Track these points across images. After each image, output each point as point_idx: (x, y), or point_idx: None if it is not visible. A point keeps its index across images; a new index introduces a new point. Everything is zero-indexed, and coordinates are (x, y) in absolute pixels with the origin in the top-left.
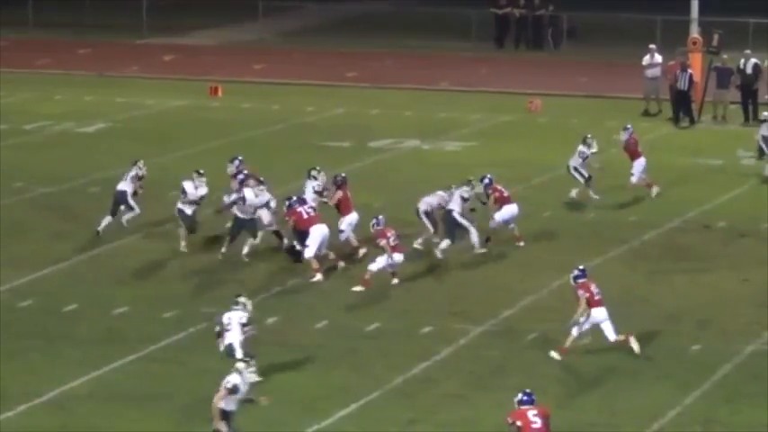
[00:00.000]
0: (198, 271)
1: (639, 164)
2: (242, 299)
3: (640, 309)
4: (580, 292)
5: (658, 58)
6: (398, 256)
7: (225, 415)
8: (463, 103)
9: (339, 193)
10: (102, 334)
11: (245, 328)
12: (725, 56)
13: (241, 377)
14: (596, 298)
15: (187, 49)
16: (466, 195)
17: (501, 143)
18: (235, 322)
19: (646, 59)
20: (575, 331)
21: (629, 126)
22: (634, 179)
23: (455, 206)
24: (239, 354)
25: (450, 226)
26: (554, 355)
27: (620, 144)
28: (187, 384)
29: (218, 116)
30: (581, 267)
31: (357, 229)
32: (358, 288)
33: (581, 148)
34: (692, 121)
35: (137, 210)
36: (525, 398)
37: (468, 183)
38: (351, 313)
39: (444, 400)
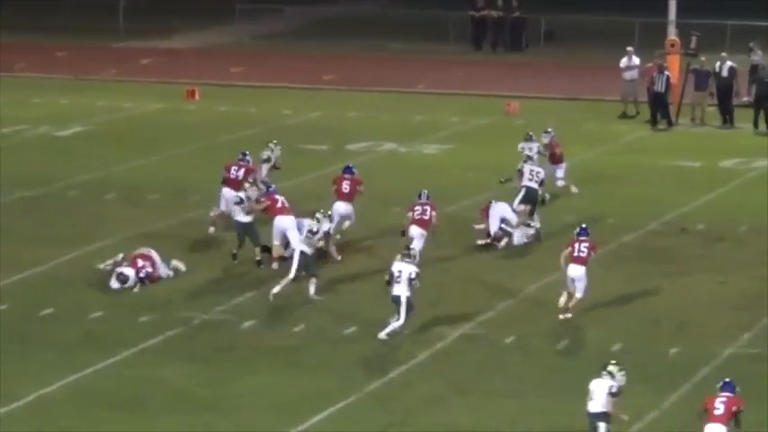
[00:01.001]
0: (175, 275)
1: (562, 168)
2: (413, 251)
3: (619, 311)
4: (568, 248)
5: (636, 60)
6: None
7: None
8: (440, 106)
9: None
10: (78, 338)
11: (413, 282)
12: (702, 58)
13: (614, 380)
14: (575, 255)
15: (164, 52)
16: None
17: (478, 146)
18: (405, 276)
19: (623, 62)
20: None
21: (549, 129)
22: (561, 182)
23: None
24: (403, 308)
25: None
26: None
27: (542, 148)
28: (163, 389)
29: (195, 119)
30: (584, 225)
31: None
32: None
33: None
34: (670, 124)
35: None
36: (726, 386)
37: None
38: (328, 316)
39: (422, 405)
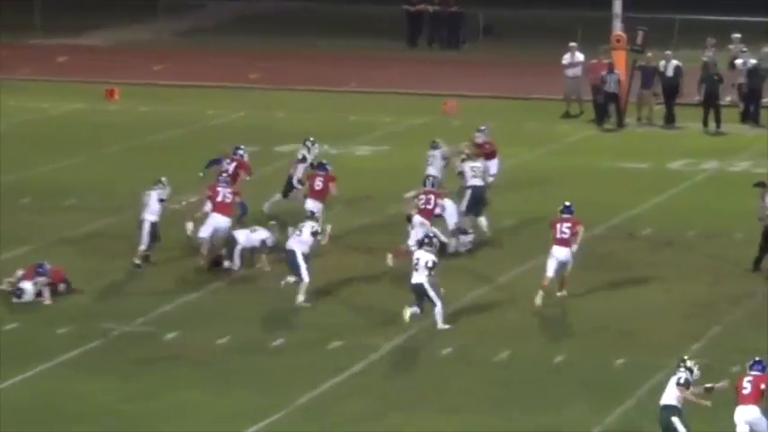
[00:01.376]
0: (96, 284)
1: (494, 164)
2: (435, 239)
3: (563, 319)
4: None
5: (579, 56)
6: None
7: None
8: (374, 106)
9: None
10: None
11: (433, 271)
12: (649, 54)
13: (689, 374)
14: (558, 236)
15: (82, 49)
16: None
17: (414, 147)
18: (422, 263)
19: (566, 58)
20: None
21: (483, 127)
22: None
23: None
24: (432, 293)
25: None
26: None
27: (470, 146)
28: (81, 405)
29: (115, 120)
30: (567, 204)
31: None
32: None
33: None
34: (620, 124)
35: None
36: (755, 365)
37: None
38: (255, 327)
39: (355, 420)
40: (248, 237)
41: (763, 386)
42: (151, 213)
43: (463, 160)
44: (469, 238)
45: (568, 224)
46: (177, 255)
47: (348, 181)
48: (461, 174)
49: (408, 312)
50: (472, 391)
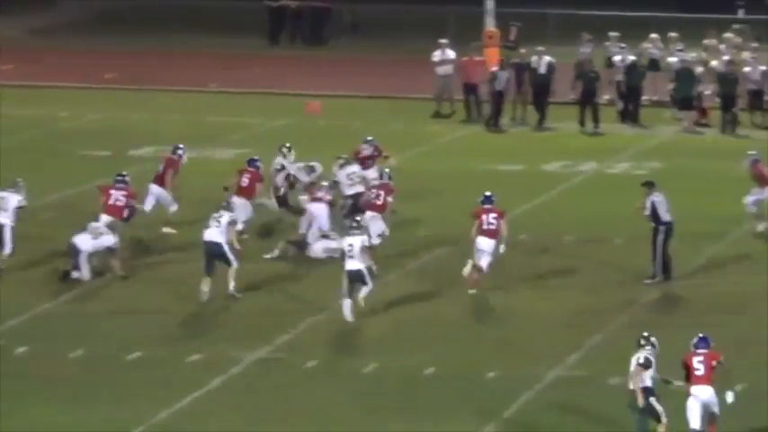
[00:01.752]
0: None
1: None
2: (363, 221)
3: (431, 329)
4: (476, 220)
5: (450, 53)
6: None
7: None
8: (235, 106)
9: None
10: None
11: (368, 250)
12: (523, 50)
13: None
14: (484, 228)
15: None
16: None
17: (277, 150)
18: (357, 248)
19: (436, 55)
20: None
21: (370, 138)
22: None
23: None
24: (367, 276)
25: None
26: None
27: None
28: None
29: None
30: (487, 194)
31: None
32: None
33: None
34: (495, 124)
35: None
36: (701, 342)
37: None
38: (110, 340)
39: None
40: (92, 242)
41: (714, 363)
42: (6, 217)
43: (341, 166)
44: (333, 245)
45: (494, 214)
46: (26, 263)
47: (208, 185)
48: (335, 182)
49: (348, 308)
50: (339, 406)
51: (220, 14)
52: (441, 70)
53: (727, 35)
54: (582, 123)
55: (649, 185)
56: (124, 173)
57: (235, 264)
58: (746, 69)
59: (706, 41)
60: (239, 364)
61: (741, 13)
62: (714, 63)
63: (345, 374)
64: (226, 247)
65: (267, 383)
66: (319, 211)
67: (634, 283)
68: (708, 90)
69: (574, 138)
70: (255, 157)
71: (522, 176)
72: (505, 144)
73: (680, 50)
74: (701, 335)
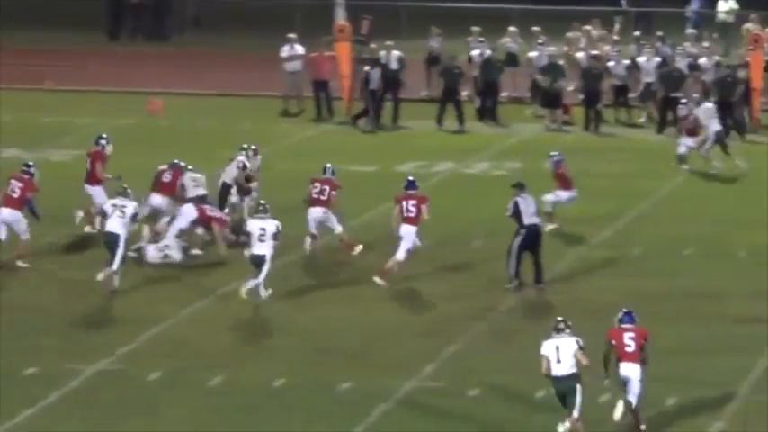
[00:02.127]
0: None
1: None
2: (267, 205)
3: (281, 339)
4: (396, 206)
5: (299, 49)
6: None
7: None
8: (71, 106)
9: None
10: None
11: (277, 237)
12: (373, 45)
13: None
14: (405, 215)
15: None
16: None
17: (118, 151)
18: (270, 232)
19: (284, 51)
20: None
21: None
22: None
23: None
24: (266, 266)
25: None
26: (377, 280)
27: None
28: None
29: None
30: (411, 179)
31: None
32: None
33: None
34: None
35: None
36: (626, 317)
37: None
38: None
39: None
40: None
41: (643, 341)
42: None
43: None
44: (172, 252)
45: (414, 201)
46: None
47: (46, 190)
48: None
49: (245, 289)
50: (183, 421)
51: (55, 7)
52: (289, 66)
53: (587, 27)
54: (440, 121)
55: (519, 187)
56: (30, 163)
57: (116, 266)
58: (610, 64)
59: (569, 34)
60: (78, 377)
61: (624, 4)
62: (579, 56)
63: (190, 387)
64: (122, 243)
65: (108, 396)
66: (186, 210)
67: (493, 289)
68: (570, 86)
69: (430, 137)
70: (177, 160)
71: (376, 178)
72: (358, 144)
73: (540, 44)
74: (625, 309)
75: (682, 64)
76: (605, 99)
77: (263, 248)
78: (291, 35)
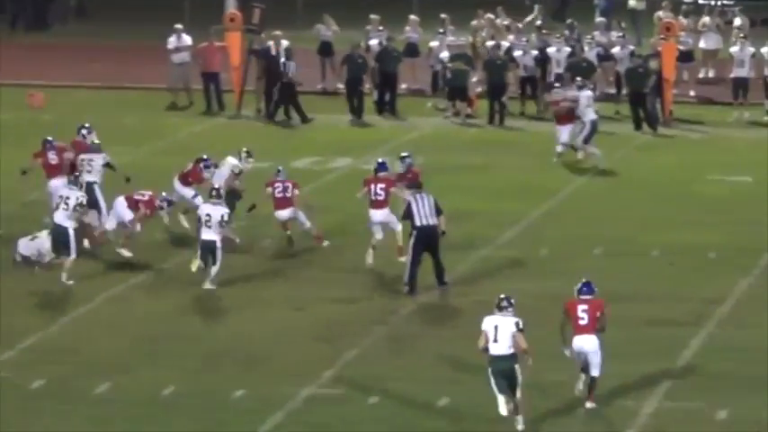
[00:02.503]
0: None
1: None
2: (221, 191)
3: (171, 345)
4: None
5: (187, 39)
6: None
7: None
8: None
9: None
10: None
11: (224, 224)
12: (263, 35)
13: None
14: (372, 199)
15: None
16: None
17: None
18: (215, 219)
19: (171, 42)
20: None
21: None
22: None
23: None
24: (219, 253)
25: None
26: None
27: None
28: None
29: None
30: (380, 160)
31: None
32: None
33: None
34: (304, 119)
35: None
36: (584, 287)
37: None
38: None
39: None
40: None
41: (598, 314)
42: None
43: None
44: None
45: (382, 184)
46: None
47: None
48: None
49: (196, 264)
50: (68, 431)
51: None
52: (176, 58)
53: (489, 16)
54: (353, 112)
55: (415, 186)
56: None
57: (74, 255)
58: (517, 54)
59: (474, 23)
60: None
61: None
62: (485, 46)
63: (76, 395)
64: (71, 235)
65: None
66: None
67: (393, 291)
68: (474, 77)
69: (328, 131)
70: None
71: (269, 174)
72: (250, 139)
73: (441, 33)
74: (584, 280)
75: (591, 54)
76: (511, 91)
77: (211, 234)
78: (178, 25)
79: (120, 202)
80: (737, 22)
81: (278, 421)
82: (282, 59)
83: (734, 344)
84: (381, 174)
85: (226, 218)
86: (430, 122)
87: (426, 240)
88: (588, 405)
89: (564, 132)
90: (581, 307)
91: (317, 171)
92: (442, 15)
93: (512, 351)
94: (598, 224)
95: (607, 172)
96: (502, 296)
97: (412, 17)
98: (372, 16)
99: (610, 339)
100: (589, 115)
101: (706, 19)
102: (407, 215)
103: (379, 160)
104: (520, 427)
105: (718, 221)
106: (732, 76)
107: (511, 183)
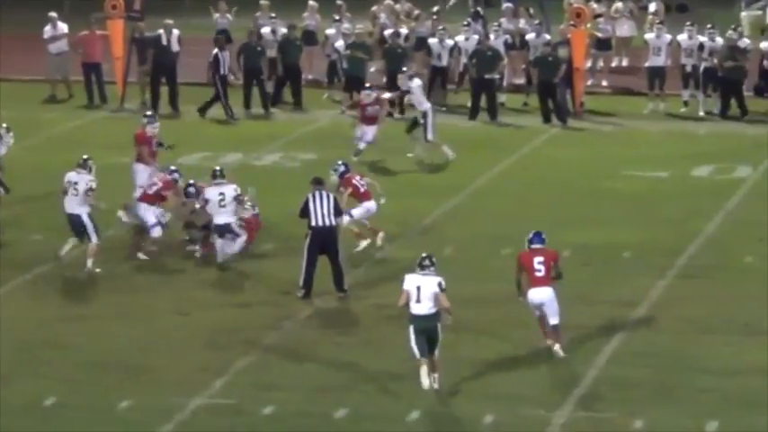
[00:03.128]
0: None
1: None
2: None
3: (52, 353)
4: (342, 189)
5: (63, 27)
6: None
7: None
8: None
9: None
10: None
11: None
12: (142, 23)
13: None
14: (362, 191)
15: None
16: None
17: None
18: (229, 198)
19: (47, 31)
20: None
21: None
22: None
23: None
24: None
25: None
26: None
27: None
28: None
29: None
30: (340, 163)
31: None
32: None
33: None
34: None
35: None
36: (536, 238)
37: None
38: None
39: None
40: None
41: (553, 263)
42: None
43: None
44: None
45: (363, 181)
46: None
47: None
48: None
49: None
50: None
51: None
52: (53, 48)
53: (388, 2)
54: (247, 106)
55: (316, 182)
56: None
57: (94, 239)
58: (432, 41)
59: (374, 9)
60: None
61: None
62: (387, 33)
63: None
64: (86, 220)
65: None
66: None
67: (287, 296)
68: (373, 67)
69: (215, 125)
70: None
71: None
72: (133, 134)
73: (337, 20)
74: (534, 231)
75: (498, 42)
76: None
77: (225, 216)
78: (52, 13)
79: (142, 206)
80: (652, 7)
81: None
82: (215, 51)
83: (650, 349)
84: (346, 176)
85: (239, 191)
86: (327, 115)
87: (322, 242)
88: (557, 348)
89: (369, 133)
90: (537, 259)
91: (205, 167)
92: (338, 2)
93: (434, 311)
94: (506, 223)
95: (515, 167)
96: (424, 255)
97: (311, 2)
98: (262, 2)
99: (518, 345)
100: (424, 104)
101: (619, 4)
102: (303, 214)
103: (339, 163)
104: (435, 385)
105: (634, 219)
106: (647, 65)
107: (413, 180)
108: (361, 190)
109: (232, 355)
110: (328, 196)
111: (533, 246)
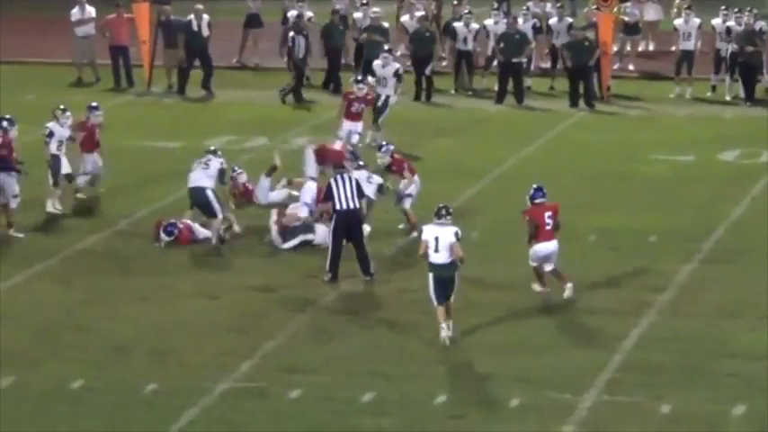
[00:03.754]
0: None
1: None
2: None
3: (78, 337)
4: (394, 168)
5: (91, 11)
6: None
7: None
8: None
9: None
10: None
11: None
12: (167, 6)
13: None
14: (411, 167)
15: None
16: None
17: None
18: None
19: (74, 14)
20: (406, 204)
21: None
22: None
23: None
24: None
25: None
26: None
27: None
28: None
29: None
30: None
31: None
32: None
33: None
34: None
35: None
36: (537, 192)
37: None
38: None
39: None
40: None
41: (555, 216)
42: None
43: None
44: None
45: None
46: None
47: None
48: None
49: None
50: None
51: None
52: (80, 31)
53: None
54: (327, 87)
55: (340, 165)
56: None
57: (220, 215)
58: (457, 25)
59: None
60: None
61: None
62: (405, 19)
63: None
64: (211, 195)
65: None
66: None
67: (314, 280)
68: (398, 51)
69: (243, 109)
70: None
71: (181, 154)
72: (161, 117)
73: (364, 4)
74: (535, 185)
75: (526, 26)
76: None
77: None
78: None
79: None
80: None
81: (192, 417)
82: (291, 34)
83: (676, 334)
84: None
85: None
86: None
87: (347, 225)
88: (569, 286)
89: (354, 132)
90: (547, 213)
91: (232, 151)
92: None
93: (451, 259)
94: None
95: (541, 152)
96: (440, 205)
97: None
98: None
99: (542, 330)
100: (386, 91)
101: None
102: (328, 197)
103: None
104: (450, 333)
105: (660, 204)
106: (680, 48)
107: (438, 163)
108: (410, 166)
109: (258, 339)
110: (350, 179)
111: (537, 201)
